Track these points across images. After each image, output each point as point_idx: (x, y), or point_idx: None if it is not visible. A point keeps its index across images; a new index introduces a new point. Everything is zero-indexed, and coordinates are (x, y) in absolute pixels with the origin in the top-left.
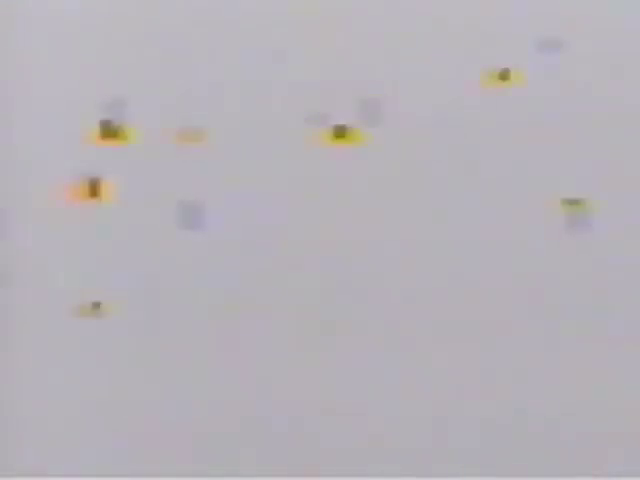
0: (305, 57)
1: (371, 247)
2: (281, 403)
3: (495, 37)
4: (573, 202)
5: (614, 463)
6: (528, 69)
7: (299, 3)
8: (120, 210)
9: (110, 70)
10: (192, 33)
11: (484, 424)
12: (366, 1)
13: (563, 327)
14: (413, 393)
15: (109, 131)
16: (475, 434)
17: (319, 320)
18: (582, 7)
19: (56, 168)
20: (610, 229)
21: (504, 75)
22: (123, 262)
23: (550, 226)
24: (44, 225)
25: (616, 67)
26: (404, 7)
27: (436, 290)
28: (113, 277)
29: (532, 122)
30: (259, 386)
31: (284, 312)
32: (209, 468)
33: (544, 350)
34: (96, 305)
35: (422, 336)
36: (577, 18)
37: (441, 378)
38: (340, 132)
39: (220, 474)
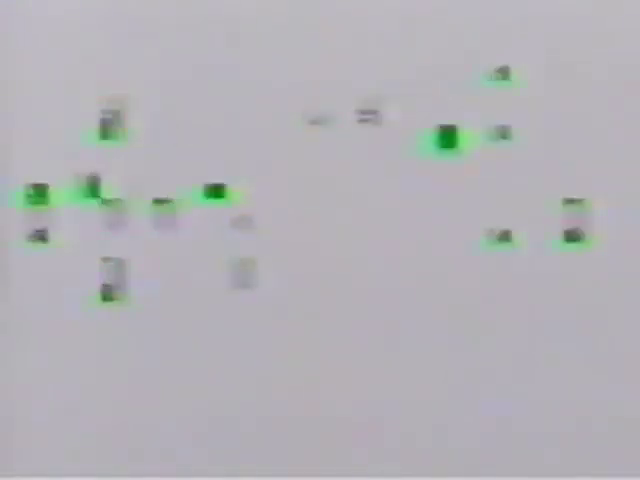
0: (305, 57)
1: (371, 245)
2: (281, 403)
3: (495, 37)
4: (573, 202)
5: (614, 463)
6: (528, 69)
7: (299, 3)
8: (120, 209)
9: (110, 70)
10: (192, 33)
11: (484, 424)
12: (366, 1)
13: (562, 327)
14: (413, 393)
15: (109, 131)
16: (475, 434)
17: (319, 320)
18: (582, 7)
19: (56, 168)
20: (610, 230)
21: (504, 74)
22: (123, 259)
23: (549, 226)
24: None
25: (616, 67)
26: (404, 7)
27: (436, 290)
28: (113, 273)
29: (532, 122)
30: (259, 386)
31: (284, 312)
32: (209, 468)
33: (544, 350)
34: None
35: (422, 336)
36: (577, 18)
37: (441, 378)
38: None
39: (220, 474)
